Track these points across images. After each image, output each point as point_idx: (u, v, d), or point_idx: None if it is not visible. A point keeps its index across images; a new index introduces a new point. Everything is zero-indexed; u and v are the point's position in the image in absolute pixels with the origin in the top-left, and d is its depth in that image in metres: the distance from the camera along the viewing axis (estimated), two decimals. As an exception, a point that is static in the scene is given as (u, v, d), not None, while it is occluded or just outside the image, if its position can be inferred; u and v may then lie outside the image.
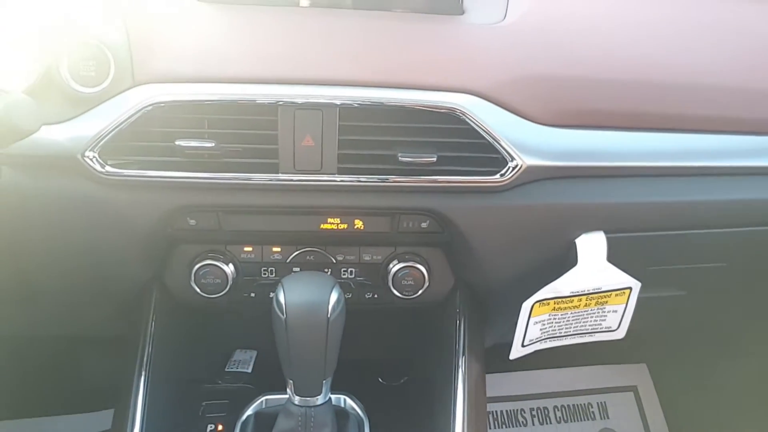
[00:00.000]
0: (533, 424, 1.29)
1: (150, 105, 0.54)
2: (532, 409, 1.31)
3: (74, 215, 0.58)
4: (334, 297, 0.55)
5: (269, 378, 0.70)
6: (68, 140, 0.55)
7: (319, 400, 0.58)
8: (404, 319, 0.76)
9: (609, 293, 0.71)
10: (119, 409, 0.61)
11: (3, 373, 1.07)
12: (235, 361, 0.76)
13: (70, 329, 0.89)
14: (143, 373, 0.62)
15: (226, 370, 0.74)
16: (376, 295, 0.69)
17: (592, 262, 0.66)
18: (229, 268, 0.64)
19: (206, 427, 0.63)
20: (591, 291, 0.70)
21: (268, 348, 0.74)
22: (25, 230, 0.59)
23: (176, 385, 0.67)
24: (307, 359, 0.56)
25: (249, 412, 0.64)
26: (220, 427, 0.63)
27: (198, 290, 0.64)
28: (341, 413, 0.64)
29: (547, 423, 1.30)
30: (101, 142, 0.54)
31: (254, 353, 0.76)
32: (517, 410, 1.31)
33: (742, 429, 1.20)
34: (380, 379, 0.74)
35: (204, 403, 0.66)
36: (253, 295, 0.67)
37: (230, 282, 0.64)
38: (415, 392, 0.72)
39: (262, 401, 0.65)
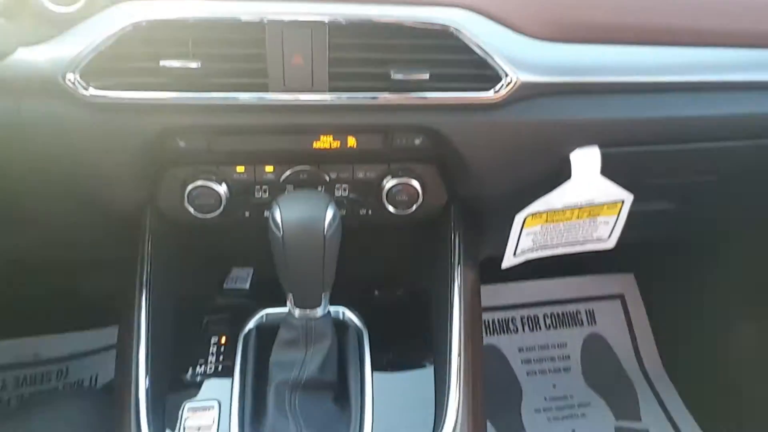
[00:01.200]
0: (524, 331, 1.35)
1: (130, 24, 0.53)
2: (522, 317, 1.36)
3: (61, 141, 0.57)
4: (329, 214, 0.56)
5: (267, 294, 0.71)
6: (47, 62, 0.53)
7: (319, 312, 0.61)
8: (400, 235, 0.77)
9: (601, 206, 0.73)
10: (123, 325, 0.63)
11: (3, 295, 1.10)
12: (232, 278, 0.77)
13: (67, 253, 0.90)
14: (144, 291, 0.64)
15: (224, 287, 0.75)
16: (370, 212, 0.70)
17: (586, 176, 0.67)
18: (222, 188, 0.64)
19: (209, 339, 0.66)
20: (583, 204, 0.71)
21: (264, 265, 0.76)
22: (12, 157, 0.59)
23: (177, 302, 0.69)
24: (305, 274, 0.57)
25: (250, 325, 0.66)
26: (223, 340, 0.65)
27: (192, 211, 0.65)
28: (340, 325, 0.66)
29: (537, 330, 1.36)
30: (82, 64, 0.53)
31: (251, 270, 0.78)
32: (509, 318, 1.36)
33: (724, 334, 1.25)
34: (377, 293, 0.76)
35: (206, 318, 0.68)
36: (247, 214, 0.68)
37: (223, 202, 0.65)
38: (413, 304, 0.74)
39: (262, 315, 0.67)
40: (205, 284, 0.74)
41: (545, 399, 1.28)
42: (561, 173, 0.67)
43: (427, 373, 0.65)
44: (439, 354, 0.65)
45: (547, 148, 0.65)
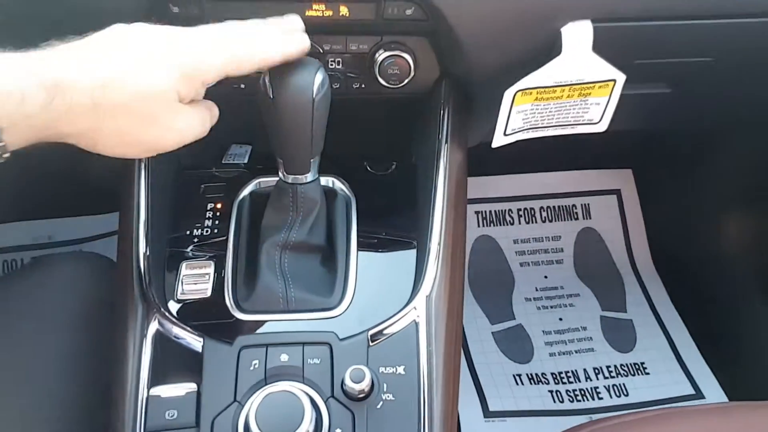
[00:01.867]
0: (519, 223, 1.38)
1: None
2: (519, 209, 1.39)
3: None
4: (319, 78, 0.56)
5: (263, 167, 0.74)
6: None
7: (308, 177, 0.62)
8: (392, 111, 0.78)
9: (592, 85, 0.72)
10: (125, 190, 0.65)
11: (7, 176, 1.13)
12: (231, 154, 0.79)
13: None
14: (141, 161, 0.66)
15: (223, 162, 0.77)
16: (363, 86, 0.71)
17: (577, 51, 0.66)
18: None
19: (206, 205, 0.68)
20: (574, 82, 0.71)
21: (262, 143, 0.77)
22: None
23: (176, 173, 0.72)
24: (295, 138, 0.59)
25: (245, 192, 0.69)
26: (219, 205, 0.68)
27: None
28: (330, 192, 0.68)
29: (533, 222, 1.38)
30: None
31: (249, 147, 0.79)
32: (505, 210, 1.39)
33: (715, 232, 1.27)
34: (368, 168, 0.78)
35: (203, 186, 0.70)
36: (242, 86, 0.69)
37: None
38: (401, 180, 0.76)
39: (257, 183, 0.70)
40: (204, 161, 0.76)
41: (536, 289, 1.33)
42: (552, 49, 0.66)
43: (410, 245, 0.67)
44: (422, 226, 0.68)
45: (539, 22, 0.64)
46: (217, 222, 0.67)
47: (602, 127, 0.79)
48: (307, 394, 0.52)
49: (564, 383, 1.20)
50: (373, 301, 0.61)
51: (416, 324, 0.59)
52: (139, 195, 0.64)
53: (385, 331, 0.58)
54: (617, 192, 1.42)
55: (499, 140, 0.77)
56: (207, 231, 0.66)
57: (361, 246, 0.65)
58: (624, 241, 1.38)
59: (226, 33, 0.53)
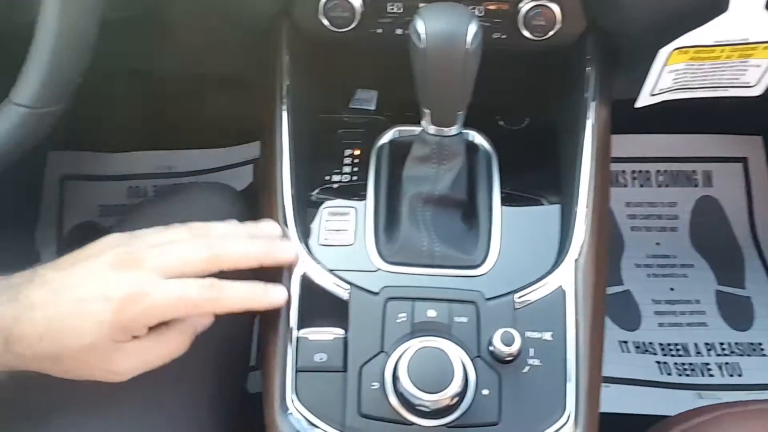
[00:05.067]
0: (633, 186, 1.32)
1: None
2: (633, 171, 1.32)
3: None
4: (473, 28, 0.54)
5: (393, 116, 0.72)
6: None
7: (453, 130, 0.60)
8: (530, 65, 0.74)
9: (756, 46, 0.66)
10: (267, 134, 0.65)
11: (143, 107, 1.17)
12: (357, 99, 0.78)
13: (201, 67, 0.93)
14: (284, 103, 0.65)
15: (350, 107, 0.76)
16: (503, 36, 0.67)
17: (747, 9, 0.60)
18: (357, 0, 0.63)
19: (344, 151, 0.68)
20: (737, 41, 0.65)
21: (388, 89, 0.76)
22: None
23: (311, 116, 0.71)
24: (444, 90, 0.57)
25: (384, 140, 0.67)
26: (357, 152, 0.67)
27: (326, 24, 0.64)
28: (471, 146, 0.66)
29: (647, 185, 1.32)
30: None
31: (375, 93, 0.78)
32: (619, 171, 1.32)
33: None
34: (501, 122, 0.75)
35: (340, 131, 0.70)
36: (379, 31, 0.66)
37: (357, 15, 0.63)
38: (538, 137, 0.73)
39: (395, 131, 0.68)
40: (333, 105, 0.75)
41: (647, 255, 1.27)
42: (715, 4, 0.60)
43: (554, 206, 0.65)
44: (566, 188, 0.65)
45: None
46: (355, 169, 0.66)
47: (758, 90, 0.72)
48: (456, 352, 0.51)
49: (672, 355, 1.16)
50: (517, 261, 0.59)
51: (563, 290, 0.57)
52: (282, 138, 0.64)
53: (531, 295, 0.56)
54: (743, 160, 1.32)
55: (644, 100, 0.72)
56: (346, 177, 0.66)
57: (503, 203, 0.63)
58: (747, 213, 1.29)
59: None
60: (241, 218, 0.72)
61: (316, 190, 0.65)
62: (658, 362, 1.15)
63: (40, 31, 0.49)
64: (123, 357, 0.48)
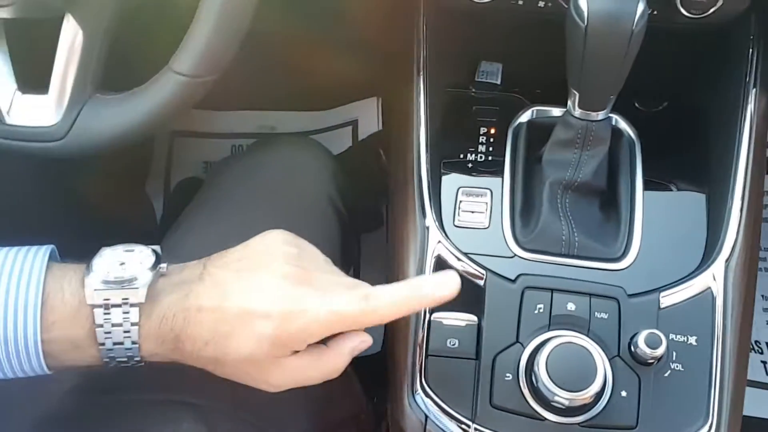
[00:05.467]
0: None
1: None
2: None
3: None
4: (641, 7, 0.49)
5: (522, 92, 0.69)
6: None
7: (601, 115, 0.57)
8: (678, 44, 0.69)
9: None
10: (403, 102, 0.64)
11: (239, 68, 1.17)
12: (482, 72, 0.75)
13: (327, 31, 0.92)
14: (421, 73, 0.64)
15: (476, 80, 0.73)
16: (656, 12, 0.62)
17: None
18: None
19: (479, 129, 0.65)
20: None
21: (512, 61, 0.72)
22: None
23: (443, 89, 0.69)
24: (601, 72, 0.53)
25: (522, 119, 0.65)
26: (492, 131, 0.65)
27: None
28: (615, 131, 0.62)
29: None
30: None
31: (500, 66, 0.75)
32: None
33: None
34: (636, 104, 0.70)
35: (474, 108, 0.67)
36: (521, 2, 0.63)
37: None
38: (679, 121, 0.68)
39: (533, 110, 0.65)
40: (459, 77, 0.73)
41: (762, 249, 1.20)
42: None
43: (700, 197, 0.61)
44: (717, 179, 0.60)
45: None
46: (491, 148, 0.64)
47: None
48: (596, 350, 0.50)
49: (781, 356, 1.10)
50: (660, 255, 0.56)
51: (712, 292, 0.54)
52: (420, 110, 0.62)
53: (677, 295, 0.53)
54: None
55: None
56: (481, 157, 0.63)
57: (646, 194, 0.60)
58: None
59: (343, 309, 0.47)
60: (332, 176, 0.72)
61: (450, 168, 0.63)
62: (763, 362, 1.09)
63: (206, 2, 0.49)
64: (280, 372, 0.47)
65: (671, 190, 0.62)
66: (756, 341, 1.12)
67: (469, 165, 0.63)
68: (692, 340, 0.52)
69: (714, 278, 0.54)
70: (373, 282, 0.49)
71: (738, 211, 0.57)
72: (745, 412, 1.01)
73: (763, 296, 1.16)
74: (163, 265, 0.48)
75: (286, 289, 0.46)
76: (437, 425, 0.52)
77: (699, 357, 0.52)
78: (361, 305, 0.46)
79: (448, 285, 0.47)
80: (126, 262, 0.46)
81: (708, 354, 0.52)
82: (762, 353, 1.11)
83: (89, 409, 0.56)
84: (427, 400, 0.52)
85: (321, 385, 0.51)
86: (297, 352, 0.47)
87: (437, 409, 0.52)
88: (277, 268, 0.47)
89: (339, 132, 1.24)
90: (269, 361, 0.46)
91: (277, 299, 0.45)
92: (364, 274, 1.15)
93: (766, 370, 1.09)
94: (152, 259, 0.47)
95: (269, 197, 0.68)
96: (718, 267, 0.54)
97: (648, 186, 0.61)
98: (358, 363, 0.77)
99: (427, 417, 0.52)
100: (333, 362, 0.49)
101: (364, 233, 1.02)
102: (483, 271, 0.55)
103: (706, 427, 0.50)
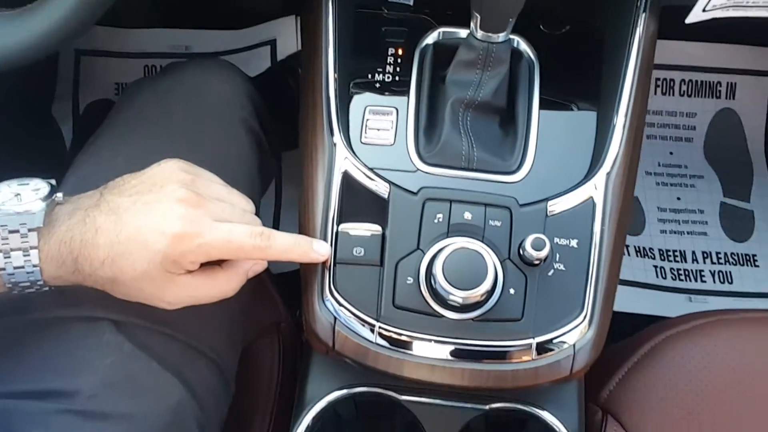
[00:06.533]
0: (656, 94, 1.31)
1: None
2: (658, 79, 1.30)
3: None
4: None
5: (431, 13, 0.70)
6: None
7: (501, 37, 0.60)
8: None
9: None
10: (310, 28, 0.64)
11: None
12: None
13: None
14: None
15: (388, 0, 0.74)
16: None
17: None
18: None
19: (387, 50, 0.67)
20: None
21: None
22: None
23: (353, 9, 0.69)
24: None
25: (428, 41, 0.67)
26: (400, 51, 0.67)
27: None
28: (515, 53, 0.66)
29: (670, 94, 1.31)
30: None
31: None
32: (643, 79, 1.30)
33: None
34: (541, 26, 0.73)
35: (384, 29, 0.68)
36: None
37: None
38: (580, 43, 0.71)
39: (439, 32, 0.67)
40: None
41: (659, 164, 1.29)
42: None
43: (591, 115, 0.66)
44: (606, 98, 0.65)
45: None
46: (398, 69, 0.66)
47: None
48: (488, 254, 0.55)
49: (670, 261, 1.21)
50: (551, 169, 0.61)
51: (593, 201, 0.59)
52: (329, 28, 0.63)
53: (562, 204, 0.59)
54: (771, 73, 1.30)
55: (696, 16, 0.70)
56: (388, 77, 0.65)
57: (542, 112, 0.64)
58: (764, 128, 1.30)
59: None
60: (246, 98, 0.73)
61: (359, 87, 0.65)
62: (655, 266, 1.21)
63: None
64: (174, 288, 0.50)
65: (567, 109, 0.66)
66: (650, 248, 1.23)
67: (377, 85, 0.65)
68: (574, 243, 0.58)
69: (596, 188, 0.59)
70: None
71: (621, 128, 0.62)
72: (640, 310, 1.14)
73: (659, 208, 1.27)
74: (59, 194, 0.50)
75: (179, 211, 0.49)
76: (345, 326, 0.57)
77: (579, 258, 0.58)
78: (256, 241, 0.51)
79: (322, 252, 0.56)
80: (21, 194, 0.48)
81: (586, 255, 0.58)
82: (654, 258, 1.22)
83: (9, 329, 0.57)
84: (335, 303, 0.57)
85: (237, 299, 0.55)
86: (192, 271, 0.51)
87: (345, 311, 0.56)
88: (171, 191, 0.49)
89: (257, 52, 1.21)
90: (163, 278, 0.49)
91: (172, 220, 0.48)
92: (286, 190, 1.18)
93: (656, 273, 1.20)
94: (47, 189, 0.49)
95: (180, 122, 0.68)
96: (599, 178, 0.60)
97: (545, 105, 0.65)
98: (280, 277, 0.81)
99: (336, 319, 0.57)
100: (227, 282, 0.53)
101: (286, 151, 1.04)
102: (387, 185, 0.59)
103: (581, 318, 0.57)
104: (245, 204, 0.56)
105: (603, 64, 0.68)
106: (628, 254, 1.21)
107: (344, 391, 0.61)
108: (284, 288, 0.80)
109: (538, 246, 0.54)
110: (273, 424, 0.69)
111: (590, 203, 0.59)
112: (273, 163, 0.84)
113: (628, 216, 0.63)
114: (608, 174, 0.60)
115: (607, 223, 0.59)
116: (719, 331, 0.73)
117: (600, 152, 0.62)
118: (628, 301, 1.15)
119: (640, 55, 0.64)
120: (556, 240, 0.57)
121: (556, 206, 0.59)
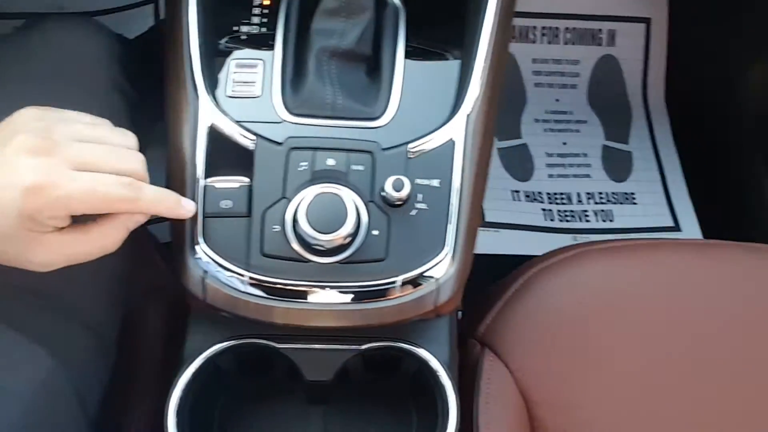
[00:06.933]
0: (542, 42, 1.36)
1: None
2: (543, 28, 1.35)
3: None
4: None
5: None
6: None
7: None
8: None
9: None
10: None
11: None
12: None
13: None
14: None
15: None
16: None
17: None
18: None
19: (252, 1, 0.66)
20: None
21: None
22: None
23: None
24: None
25: None
26: (266, 2, 0.65)
27: None
28: (381, 1, 0.66)
29: (555, 42, 1.36)
30: None
31: None
32: (529, 27, 1.35)
33: (740, 80, 1.25)
34: None
35: None
36: None
37: None
38: None
39: None
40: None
41: (546, 111, 1.35)
42: None
43: (455, 62, 0.68)
44: (468, 44, 0.67)
45: None
46: (264, 20, 0.66)
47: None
48: (350, 197, 0.57)
49: (557, 203, 1.29)
50: (414, 114, 0.63)
51: (453, 142, 0.62)
52: None
53: (424, 146, 0.61)
54: (647, 21, 1.38)
55: None
56: (255, 29, 0.65)
57: (407, 59, 0.66)
58: (642, 74, 1.38)
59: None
60: (116, 59, 0.71)
61: (224, 40, 0.64)
62: (543, 210, 1.28)
63: None
64: (41, 248, 0.46)
65: (432, 56, 0.68)
66: (539, 192, 1.30)
67: (243, 37, 0.65)
68: (435, 182, 0.60)
69: (456, 129, 0.62)
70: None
71: (480, 71, 0.64)
72: (523, 252, 1.21)
73: (547, 153, 1.33)
74: None
75: (30, 163, 0.45)
76: (216, 278, 0.58)
77: (440, 196, 0.60)
78: (122, 191, 0.48)
79: (189, 208, 0.55)
80: None
81: (447, 193, 0.60)
82: (543, 202, 1.29)
83: None
84: (204, 257, 0.57)
85: (115, 259, 0.53)
86: (62, 229, 0.47)
87: (214, 264, 0.57)
88: (20, 142, 0.45)
89: (138, 11, 1.17)
90: (26, 238, 0.46)
91: (21, 172, 0.44)
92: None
93: (544, 216, 1.27)
94: None
95: (41, 85, 0.65)
96: (459, 120, 0.62)
97: (412, 52, 0.66)
98: (168, 245, 0.80)
99: (206, 272, 0.58)
100: (102, 236, 0.49)
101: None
102: (253, 137, 0.59)
103: (443, 254, 0.60)
104: (125, 139, 0.51)
105: (468, 13, 0.70)
106: (519, 200, 1.27)
107: (222, 345, 0.62)
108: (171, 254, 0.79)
109: (397, 186, 0.57)
110: (159, 385, 0.69)
111: (450, 144, 0.61)
112: (151, 127, 0.82)
113: (489, 156, 0.66)
114: (468, 116, 0.63)
115: (468, 163, 0.62)
116: (584, 261, 0.79)
117: (461, 96, 0.64)
118: (518, 244, 1.22)
119: (500, 2, 0.66)
120: (418, 181, 0.60)
121: (418, 148, 0.61)
